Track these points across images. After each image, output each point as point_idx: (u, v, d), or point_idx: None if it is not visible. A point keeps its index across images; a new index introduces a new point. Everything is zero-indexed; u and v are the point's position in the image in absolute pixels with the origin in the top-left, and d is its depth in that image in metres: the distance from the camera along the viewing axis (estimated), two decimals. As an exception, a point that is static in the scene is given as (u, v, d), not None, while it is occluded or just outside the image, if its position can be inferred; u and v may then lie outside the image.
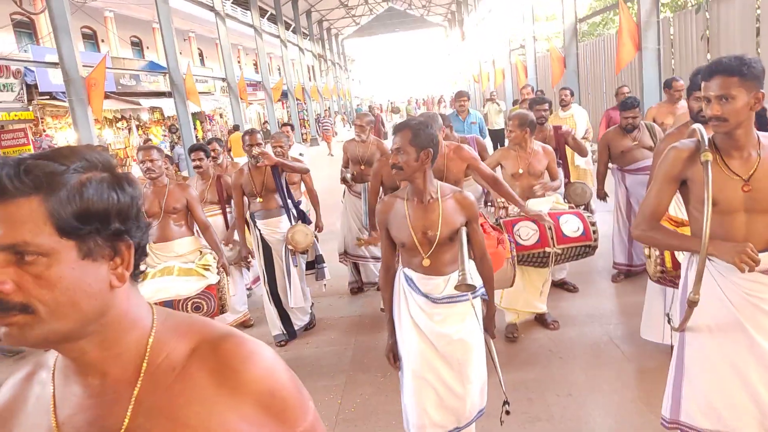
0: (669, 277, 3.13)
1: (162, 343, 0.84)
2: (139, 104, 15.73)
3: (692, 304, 1.98)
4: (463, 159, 3.67)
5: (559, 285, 4.84)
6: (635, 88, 9.59)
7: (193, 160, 4.90)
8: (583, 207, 4.49)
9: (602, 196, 5.12)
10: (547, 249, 3.75)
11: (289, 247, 4.35)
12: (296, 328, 4.55)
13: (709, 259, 2.03)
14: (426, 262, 2.45)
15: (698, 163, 1.99)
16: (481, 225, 3.43)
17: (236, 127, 15.99)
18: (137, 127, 16.73)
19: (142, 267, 0.86)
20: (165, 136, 17.01)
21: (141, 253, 0.83)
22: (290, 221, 4.45)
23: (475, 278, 2.47)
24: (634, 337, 3.81)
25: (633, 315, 4.09)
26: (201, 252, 3.92)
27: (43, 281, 0.72)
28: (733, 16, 7.39)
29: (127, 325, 0.82)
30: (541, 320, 4.27)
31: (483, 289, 2.59)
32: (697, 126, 2.03)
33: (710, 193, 1.88)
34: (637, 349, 3.75)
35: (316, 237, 4.65)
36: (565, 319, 4.29)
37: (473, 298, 2.50)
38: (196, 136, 14.57)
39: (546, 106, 5.10)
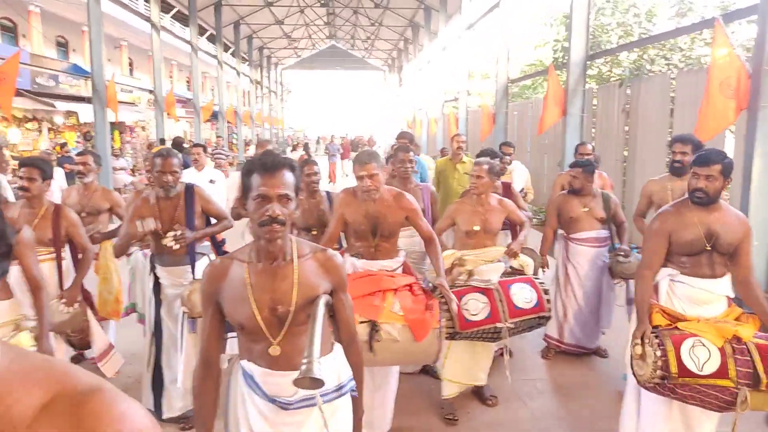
0: (671, 384, 2.57)
1: (4, 391, 0.63)
2: (53, 106, 14.75)
3: None
4: (403, 209, 3.18)
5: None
6: (557, 150, 10.01)
7: (24, 178, 3.38)
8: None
9: (544, 263, 4.48)
10: (499, 324, 3.31)
11: (184, 309, 3.28)
12: (166, 416, 3.48)
13: None
14: (274, 351, 1.77)
15: None
16: (410, 285, 3.00)
17: (162, 141, 15.27)
18: (49, 130, 15.66)
19: None
20: (79, 142, 16.01)
21: None
22: (193, 273, 3.41)
23: (334, 375, 1.88)
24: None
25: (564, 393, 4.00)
26: (18, 326, 2.62)
27: None
28: (651, 95, 7.90)
29: None
30: (478, 394, 3.85)
31: (353, 383, 1.95)
32: None
33: None
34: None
35: None
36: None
37: (327, 400, 1.83)
38: (113, 146, 13.80)
39: (498, 161, 4.52)
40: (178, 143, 11.14)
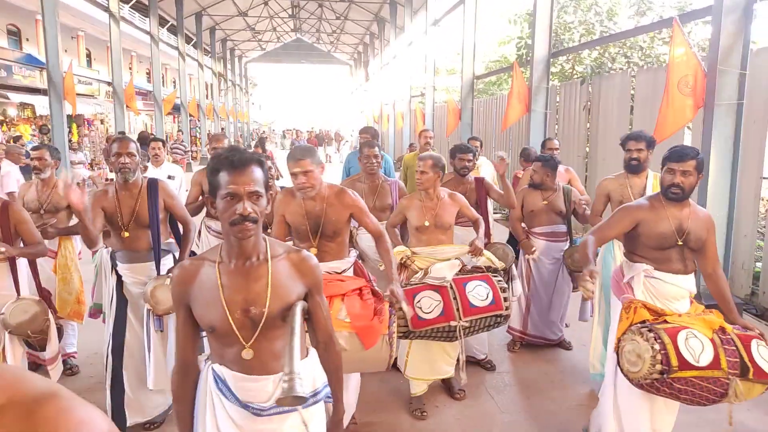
0: (669, 379, 2.40)
1: None
2: (7, 98, 14.21)
3: None
4: (346, 206, 3.10)
5: (477, 363, 4.26)
6: (521, 146, 10.15)
7: None
8: (503, 272, 3.85)
9: (529, 248, 4.49)
10: (452, 323, 3.22)
11: (147, 306, 3.22)
12: (130, 422, 3.35)
13: None
14: (247, 354, 1.71)
15: None
16: (360, 288, 2.89)
17: (122, 134, 14.91)
18: (2, 122, 15.07)
19: None
20: (34, 135, 15.45)
21: None
22: (158, 269, 3.31)
23: (309, 382, 1.82)
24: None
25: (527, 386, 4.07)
26: None
27: None
28: (612, 92, 8.07)
29: None
30: (447, 387, 3.83)
31: (328, 389, 1.90)
32: None
33: None
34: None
35: None
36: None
37: (304, 407, 1.78)
38: (71, 140, 13.37)
39: (470, 156, 4.38)
40: (143, 138, 10.86)
